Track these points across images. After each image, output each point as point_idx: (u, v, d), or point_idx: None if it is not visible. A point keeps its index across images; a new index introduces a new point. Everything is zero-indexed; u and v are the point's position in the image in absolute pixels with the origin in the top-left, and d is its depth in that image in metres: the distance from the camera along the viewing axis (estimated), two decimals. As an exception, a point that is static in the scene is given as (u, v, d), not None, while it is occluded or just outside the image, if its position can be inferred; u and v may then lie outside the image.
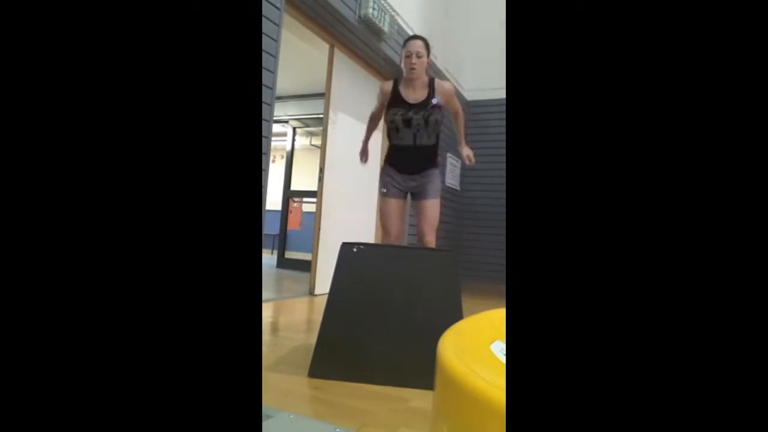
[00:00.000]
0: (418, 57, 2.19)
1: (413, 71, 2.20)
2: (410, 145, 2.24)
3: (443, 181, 2.45)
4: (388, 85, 2.31)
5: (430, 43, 2.32)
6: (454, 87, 2.38)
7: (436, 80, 2.28)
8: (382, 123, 2.41)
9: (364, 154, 2.53)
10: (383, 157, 2.42)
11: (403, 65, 2.25)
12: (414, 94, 2.24)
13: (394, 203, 2.30)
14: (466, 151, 2.39)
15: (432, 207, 2.28)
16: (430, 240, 2.28)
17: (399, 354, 1.54)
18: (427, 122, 2.21)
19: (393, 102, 2.26)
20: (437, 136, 2.29)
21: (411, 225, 4.47)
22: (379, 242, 4.17)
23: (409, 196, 2.37)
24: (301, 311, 2.95)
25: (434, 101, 2.22)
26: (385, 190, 2.32)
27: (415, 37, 2.28)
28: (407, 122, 2.22)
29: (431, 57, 2.30)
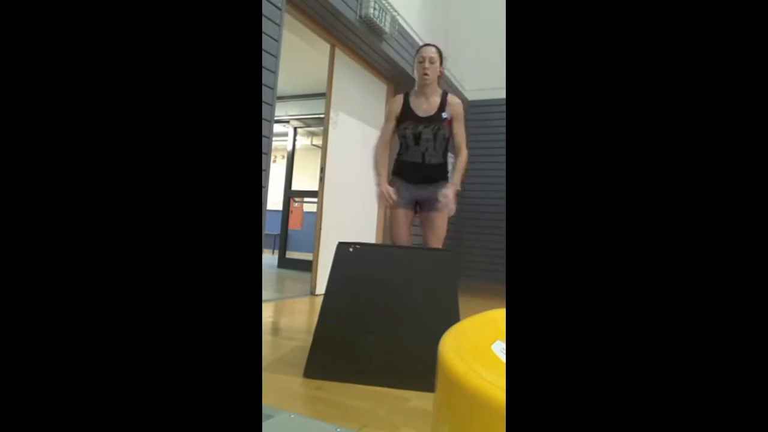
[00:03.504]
0: (431, 63, 2.17)
1: (426, 77, 2.17)
2: (419, 162, 2.22)
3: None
4: (398, 102, 2.26)
5: (431, 43, 2.30)
6: (463, 109, 2.29)
7: (449, 95, 2.25)
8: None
9: (384, 196, 2.19)
10: (391, 169, 2.36)
11: (415, 72, 2.23)
12: (425, 105, 2.21)
13: (402, 214, 2.26)
14: (450, 192, 2.14)
15: (440, 220, 2.24)
16: None
17: (394, 355, 1.54)
18: (435, 137, 2.19)
19: (403, 116, 2.23)
20: (445, 153, 2.27)
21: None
22: (381, 240, 4.18)
23: (417, 207, 2.33)
24: (302, 311, 2.95)
25: (444, 115, 2.19)
26: (389, 200, 2.26)
27: (429, 44, 2.26)
28: (417, 137, 2.20)
29: (444, 67, 2.26)
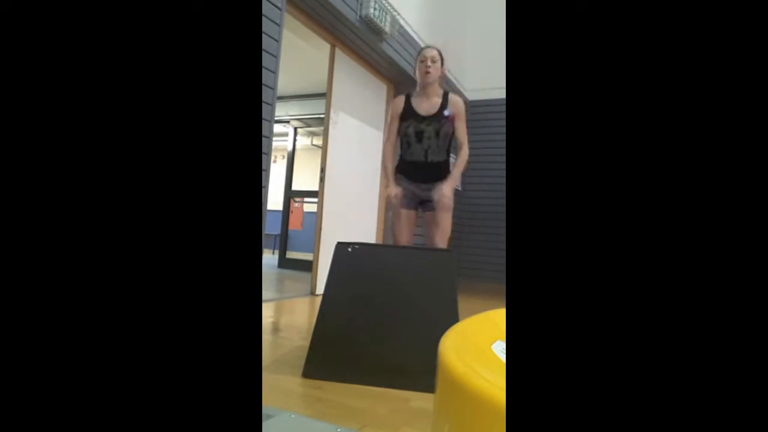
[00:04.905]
0: (433, 62, 2.20)
1: (428, 75, 2.20)
2: (422, 161, 2.24)
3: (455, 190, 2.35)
4: (399, 102, 2.30)
5: (432, 45, 2.33)
6: (465, 109, 2.32)
7: (450, 94, 2.28)
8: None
9: (392, 198, 2.26)
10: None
11: (417, 72, 2.26)
12: (427, 104, 2.24)
13: (405, 214, 2.29)
14: (447, 188, 2.17)
15: (446, 218, 2.27)
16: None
17: (394, 355, 1.54)
18: (438, 134, 2.21)
19: (405, 115, 2.26)
20: (448, 150, 2.29)
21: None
22: (381, 241, 4.18)
23: (420, 207, 2.36)
24: (302, 311, 2.95)
25: (446, 113, 2.22)
26: (396, 201, 2.29)
27: (430, 46, 2.30)
28: (419, 135, 2.22)
29: (445, 68, 2.30)
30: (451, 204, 2.21)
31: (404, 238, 2.31)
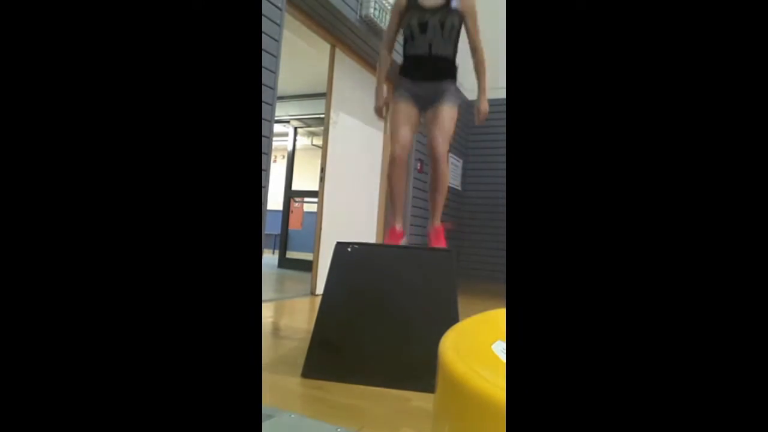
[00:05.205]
0: None
1: None
2: (425, 55, 2.06)
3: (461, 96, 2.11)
4: None
5: None
6: (474, 4, 2.10)
7: None
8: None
9: (380, 107, 2.21)
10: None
11: None
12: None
13: (404, 108, 2.10)
14: (483, 106, 2.15)
15: (447, 112, 2.06)
16: (442, 150, 2.04)
17: (394, 355, 1.54)
18: (443, 26, 2.03)
19: (408, 9, 2.08)
20: (455, 45, 2.10)
21: (412, 218, 4.47)
22: (381, 241, 4.18)
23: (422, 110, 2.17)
24: (302, 311, 2.95)
25: (453, 4, 2.04)
26: (398, 95, 2.13)
27: None
28: (423, 26, 2.03)
29: None
30: (485, 114, 2.13)
31: (403, 137, 2.07)
